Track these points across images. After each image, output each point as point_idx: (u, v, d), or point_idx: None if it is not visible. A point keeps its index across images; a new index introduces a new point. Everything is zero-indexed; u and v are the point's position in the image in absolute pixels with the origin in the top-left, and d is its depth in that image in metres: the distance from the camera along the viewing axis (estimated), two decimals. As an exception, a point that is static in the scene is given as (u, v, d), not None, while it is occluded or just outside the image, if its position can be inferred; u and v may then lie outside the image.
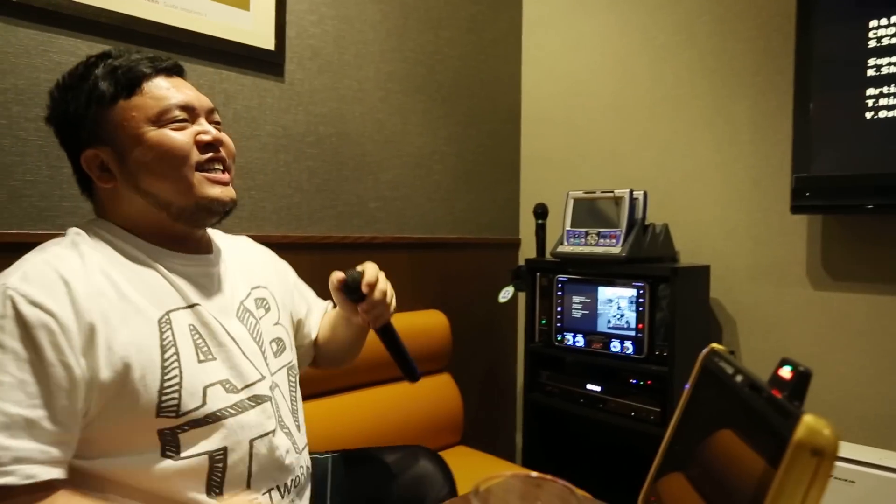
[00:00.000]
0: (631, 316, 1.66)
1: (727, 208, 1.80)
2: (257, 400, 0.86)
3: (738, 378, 0.60)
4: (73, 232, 0.84)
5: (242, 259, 1.02)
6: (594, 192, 1.78)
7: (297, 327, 1.12)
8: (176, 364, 0.79)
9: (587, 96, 2.12)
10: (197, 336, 0.83)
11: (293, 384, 1.00)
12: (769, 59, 1.70)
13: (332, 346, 1.16)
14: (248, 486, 0.83)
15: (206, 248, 0.95)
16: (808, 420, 0.43)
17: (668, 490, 0.70)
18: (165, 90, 0.85)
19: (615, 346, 1.69)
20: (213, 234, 1.01)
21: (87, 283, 0.75)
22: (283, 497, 0.87)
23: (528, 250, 2.25)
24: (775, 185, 1.69)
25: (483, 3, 2.16)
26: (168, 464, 0.77)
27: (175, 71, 0.90)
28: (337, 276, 0.97)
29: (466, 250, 2.12)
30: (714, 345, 0.73)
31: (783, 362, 0.59)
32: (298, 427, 0.96)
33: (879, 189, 1.42)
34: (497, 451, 1.86)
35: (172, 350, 0.79)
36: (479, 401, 2.11)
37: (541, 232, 1.97)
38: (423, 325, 1.84)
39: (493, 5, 2.20)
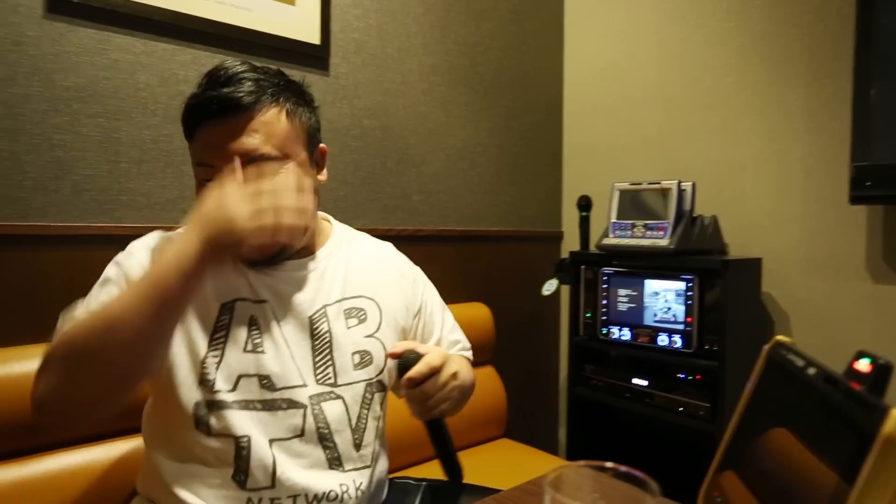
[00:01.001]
0: (679, 309, 1.63)
1: (779, 199, 1.74)
2: (290, 404, 0.88)
3: (811, 371, 0.58)
4: (166, 235, 0.92)
5: (358, 268, 1.00)
6: (640, 184, 1.74)
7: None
8: (222, 345, 0.86)
9: (632, 86, 2.08)
10: (255, 328, 0.88)
11: (368, 400, 0.95)
12: (826, 43, 1.64)
13: None
14: (273, 485, 0.85)
15: (304, 252, 0.95)
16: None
17: (731, 485, 0.69)
18: (199, 142, 0.86)
19: (663, 339, 1.66)
20: (349, 237, 1.05)
21: None
22: None
23: (570, 243, 2.23)
24: (831, 175, 1.63)
25: (525, -7, 2.14)
26: (200, 437, 0.84)
27: (228, 109, 0.83)
28: (393, 350, 0.89)
29: (509, 243, 2.11)
30: (780, 337, 0.71)
31: (860, 354, 0.56)
32: (358, 446, 0.92)
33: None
34: (539, 444, 1.85)
35: (223, 333, 0.87)
36: (521, 394, 2.10)
37: (584, 224, 1.94)
38: (466, 318, 1.82)
39: (536, -6, 2.18)
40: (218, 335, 0.86)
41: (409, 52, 1.82)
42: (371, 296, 0.99)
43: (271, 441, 0.86)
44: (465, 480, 1.04)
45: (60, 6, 1.22)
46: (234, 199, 0.74)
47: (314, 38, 1.59)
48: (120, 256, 0.89)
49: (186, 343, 0.86)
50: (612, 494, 0.45)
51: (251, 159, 0.82)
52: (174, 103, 1.38)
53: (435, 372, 0.84)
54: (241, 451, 0.84)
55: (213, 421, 0.84)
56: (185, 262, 0.72)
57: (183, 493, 0.84)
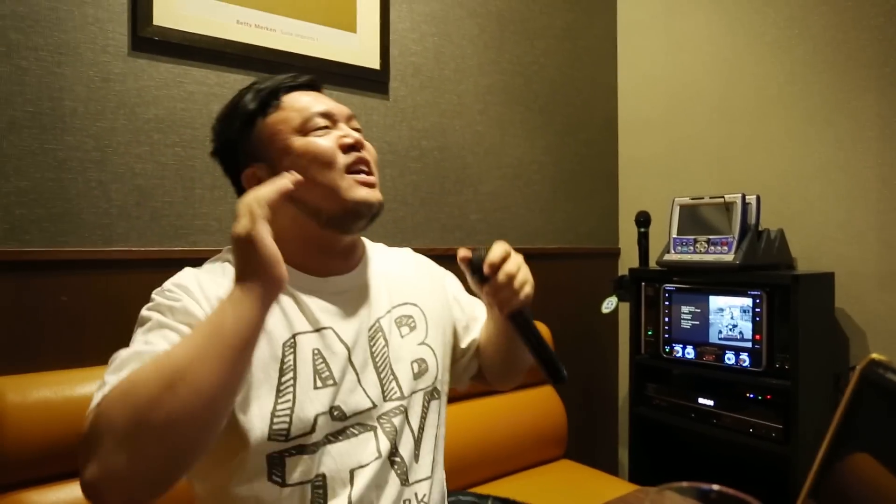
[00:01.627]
0: (746, 326, 1.59)
1: (851, 210, 1.68)
2: (362, 429, 0.85)
3: None
4: (221, 262, 0.88)
5: (394, 275, 0.99)
6: (702, 198, 1.72)
7: (455, 341, 1.05)
8: (291, 388, 0.80)
9: (688, 99, 2.05)
10: (319, 360, 0.84)
11: (426, 409, 0.93)
12: (899, 48, 1.59)
13: (490, 351, 1.04)
14: None
15: (352, 263, 0.93)
16: None
17: None
18: (305, 101, 0.89)
19: (729, 358, 1.62)
20: (373, 248, 1.02)
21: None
22: None
23: (628, 259, 2.20)
24: (909, 184, 1.57)
25: (577, 11, 2.15)
26: (273, 489, 0.78)
27: (312, 85, 0.93)
28: (462, 253, 0.87)
29: (566, 260, 2.10)
30: (875, 355, 0.68)
31: None
32: (417, 457, 0.90)
33: None
34: (600, 466, 1.82)
35: (290, 374, 0.80)
36: (580, 413, 2.07)
37: (643, 241, 1.92)
38: (525, 336, 1.84)
39: (588, 12, 2.19)
40: (286, 379, 0.80)
41: (465, 73, 1.85)
42: (414, 301, 0.97)
43: (351, 471, 0.82)
44: (527, 501, 1.02)
45: (143, 44, 1.30)
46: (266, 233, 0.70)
47: (374, 63, 1.64)
48: (161, 300, 0.79)
49: (250, 395, 0.78)
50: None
51: (350, 116, 0.92)
52: (244, 131, 1.44)
53: (508, 255, 0.85)
54: (316, 492, 0.81)
55: (287, 470, 0.79)
56: (248, 297, 0.68)
57: None
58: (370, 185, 0.87)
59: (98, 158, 1.26)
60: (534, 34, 2.02)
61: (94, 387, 1.10)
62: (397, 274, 0.99)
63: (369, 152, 0.89)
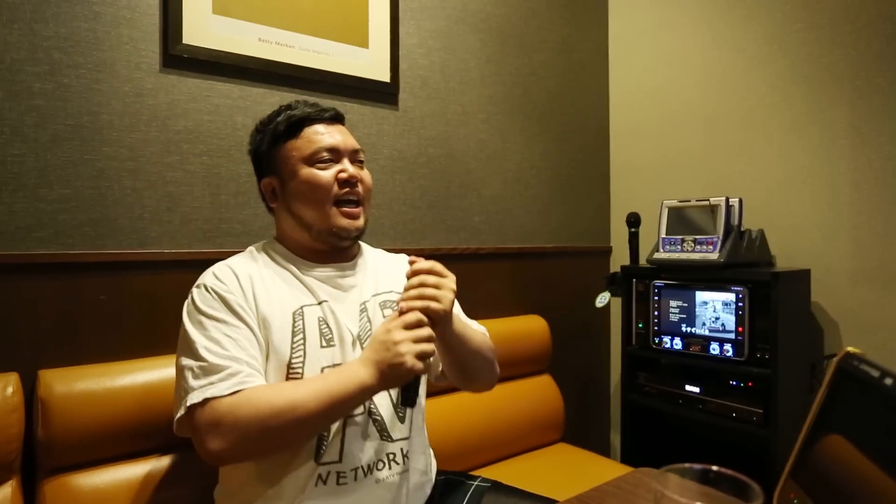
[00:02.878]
0: (729, 319, 1.62)
1: (826, 212, 1.72)
2: None
3: (889, 381, 0.59)
4: (250, 248, 1.07)
5: (382, 270, 1.12)
6: (689, 201, 1.74)
7: None
8: (302, 346, 0.94)
9: (675, 108, 2.08)
10: (324, 326, 0.98)
11: None
12: (870, 62, 1.62)
13: (445, 358, 1.06)
14: (340, 460, 0.92)
15: (347, 257, 1.08)
16: None
17: (799, 490, 0.68)
18: (319, 135, 1.01)
19: (714, 348, 1.65)
20: (369, 249, 1.15)
21: (250, 280, 0.97)
22: (366, 476, 0.94)
23: (619, 257, 2.23)
24: (879, 187, 1.60)
25: (572, 26, 2.17)
26: None
27: (333, 119, 1.05)
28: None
29: (562, 258, 2.13)
30: (850, 348, 0.71)
31: None
32: (402, 419, 1.00)
33: None
34: (594, 448, 1.85)
35: (301, 335, 0.95)
36: (576, 400, 2.11)
37: (634, 240, 1.95)
38: (524, 330, 1.87)
39: (581, 27, 2.21)
40: (297, 339, 0.94)
41: (469, 85, 1.87)
42: (399, 290, 1.03)
43: (345, 419, 0.93)
44: (524, 484, 1.11)
45: (173, 61, 1.32)
46: (405, 348, 0.85)
47: (385, 76, 1.66)
48: (201, 298, 0.94)
49: (271, 352, 0.93)
50: (714, 496, 0.47)
51: (355, 150, 1.04)
52: (266, 141, 1.46)
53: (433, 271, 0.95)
54: (323, 434, 0.92)
55: None
56: (366, 391, 0.86)
57: (264, 475, 0.92)
58: (352, 217, 1.01)
59: (132, 167, 1.28)
60: (531, 48, 2.05)
61: (131, 378, 1.15)
62: (385, 269, 1.12)
63: (363, 183, 1.03)
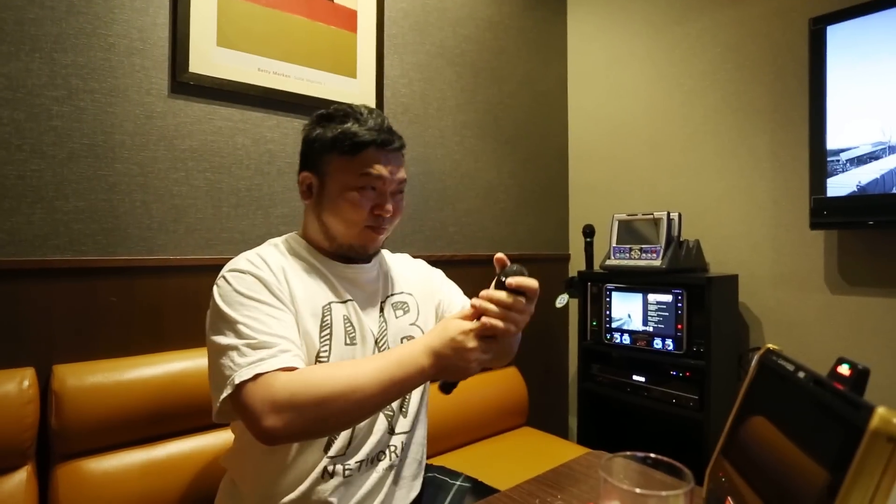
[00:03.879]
0: (670, 318, 1.65)
1: (751, 225, 1.76)
2: None
3: (801, 374, 0.60)
4: (274, 242, 0.95)
5: (396, 271, 1.04)
6: (636, 215, 1.77)
7: (438, 317, 1.06)
8: (328, 340, 0.86)
9: (626, 134, 2.12)
10: (348, 325, 0.90)
11: None
12: (786, 98, 1.67)
13: None
14: (345, 453, 0.86)
15: (367, 259, 0.97)
16: (881, 411, 0.42)
17: (728, 468, 0.70)
18: (373, 164, 0.87)
19: (657, 343, 1.68)
20: (385, 253, 1.06)
21: (283, 270, 0.87)
22: (369, 467, 0.88)
23: (576, 263, 2.26)
24: (794, 205, 1.65)
25: (536, 62, 2.20)
26: None
27: (393, 148, 0.90)
28: (501, 256, 0.84)
29: (527, 264, 2.12)
30: (770, 345, 0.73)
31: (840, 361, 0.57)
32: (405, 413, 0.94)
33: (881, 208, 1.37)
34: (554, 431, 1.86)
35: (328, 330, 0.87)
36: (539, 389, 2.12)
37: (589, 248, 1.97)
38: (494, 326, 1.86)
39: (544, 62, 2.23)
40: (324, 333, 0.87)
41: (445, 112, 1.88)
42: (410, 291, 1.02)
43: None
44: (492, 463, 0.99)
45: (181, 88, 1.30)
46: (474, 356, 0.75)
47: (371, 102, 1.66)
48: (239, 281, 0.83)
49: (304, 339, 0.85)
50: (651, 481, 0.48)
51: (401, 182, 0.92)
52: (263, 159, 1.45)
53: (532, 290, 0.77)
54: None
55: None
56: (424, 379, 0.77)
57: (274, 466, 0.84)
58: (374, 240, 0.91)
59: (142, 182, 1.25)
60: (501, 80, 2.06)
61: (138, 372, 1.12)
62: (398, 271, 1.04)
63: (393, 216, 0.92)
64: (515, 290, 0.76)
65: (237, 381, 0.73)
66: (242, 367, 0.74)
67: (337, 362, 0.82)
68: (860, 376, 0.54)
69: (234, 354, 0.75)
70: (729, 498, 0.64)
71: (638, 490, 0.42)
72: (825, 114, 1.47)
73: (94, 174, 1.19)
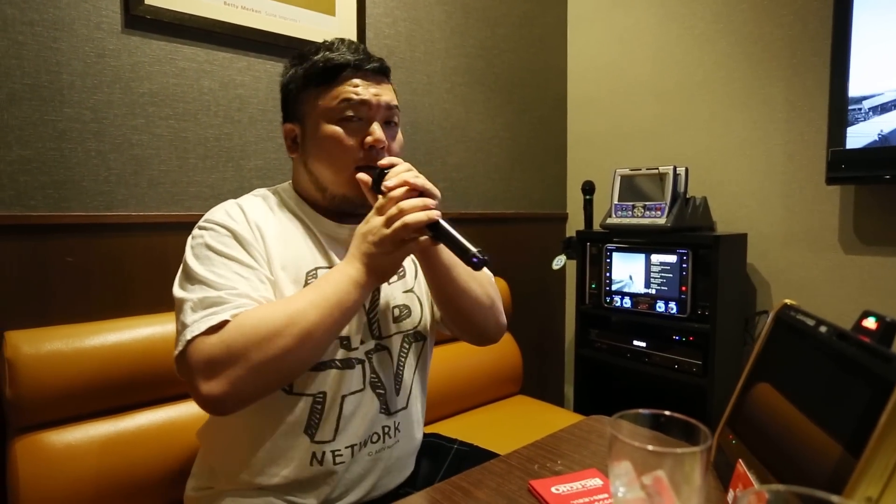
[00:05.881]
0: (674, 279, 1.64)
1: (762, 181, 1.74)
2: (356, 361, 0.85)
3: (823, 329, 0.59)
4: (262, 192, 0.91)
5: None
6: (639, 169, 1.74)
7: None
8: None
9: (629, 82, 2.07)
10: None
11: (405, 350, 0.92)
12: (806, 42, 1.63)
13: (435, 294, 0.93)
14: (334, 439, 0.82)
15: (364, 213, 0.88)
16: (918, 362, 0.42)
17: (744, 431, 0.69)
18: (352, 90, 0.82)
19: (660, 306, 1.68)
20: None
21: (264, 226, 0.83)
22: (360, 450, 0.85)
23: (574, 223, 2.24)
24: (809, 159, 1.63)
25: (533, 2, 2.12)
26: (280, 395, 0.80)
27: (375, 71, 0.84)
28: (361, 176, 0.82)
29: (521, 224, 2.12)
30: (787, 300, 0.71)
31: (866, 314, 0.57)
32: (397, 391, 0.90)
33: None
34: (549, 399, 1.88)
35: None
36: (533, 355, 2.13)
37: (588, 206, 1.95)
38: (486, 290, 1.85)
39: (542, 3, 2.15)
40: None
41: (434, 56, 1.81)
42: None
43: (343, 396, 0.83)
44: (487, 432, 0.99)
45: (136, 22, 1.23)
46: (375, 224, 0.75)
47: (351, 45, 1.58)
48: (210, 234, 0.80)
49: None
50: (663, 440, 0.47)
51: (390, 108, 0.85)
52: (233, 105, 1.38)
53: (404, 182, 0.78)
54: (315, 407, 0.82)
55: (296, 381, 0.80)
56: (360, 287, 0.75)
57: (251, 445, 0.82)
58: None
59: (96, 130, 1.19)
60: (494, 22, 1.99)
61: (101, 339, 1.09)
62: None
63: (391, 149, 0.85)
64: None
65: (187, 339, 0.70)
66: (188, 327, 0.71)
67: (271, 302, 0.76)
68: (888, 329, 0.53)
69: (187, 310, 0.73)
70: (740, 460, 0.63)
71: (650, 447, 0.40)
72: (849, 56, 1.43)
73: (41, 119, 1.13)
